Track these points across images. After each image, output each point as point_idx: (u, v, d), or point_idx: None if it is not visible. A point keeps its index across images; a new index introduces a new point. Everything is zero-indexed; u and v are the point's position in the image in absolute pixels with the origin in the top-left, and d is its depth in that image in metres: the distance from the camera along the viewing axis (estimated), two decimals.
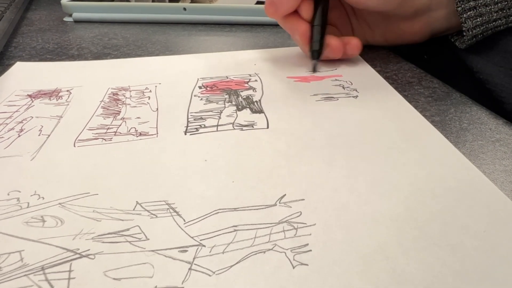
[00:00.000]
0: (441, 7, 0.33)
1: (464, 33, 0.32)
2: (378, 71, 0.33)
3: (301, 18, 0.32)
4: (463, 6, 0.31)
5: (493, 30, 0.31)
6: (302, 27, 0.32)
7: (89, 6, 0.50)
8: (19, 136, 0.25)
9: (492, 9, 0.30)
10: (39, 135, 0.25)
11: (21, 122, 0.26)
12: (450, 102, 0.28)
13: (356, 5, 0.33)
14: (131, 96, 0.30)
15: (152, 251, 0.16)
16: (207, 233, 0.17)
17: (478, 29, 0.31)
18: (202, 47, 0.41)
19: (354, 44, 0.33)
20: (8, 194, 0.19)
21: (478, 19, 0.31)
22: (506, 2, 0.30)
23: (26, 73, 0.34)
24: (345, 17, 0.37)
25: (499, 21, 0.31)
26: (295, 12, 0.33)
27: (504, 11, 0.30)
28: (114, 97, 0.30)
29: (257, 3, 0.49)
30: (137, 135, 0.24)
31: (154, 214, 0.18)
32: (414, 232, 0.17)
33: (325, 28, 0.32)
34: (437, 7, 0.33)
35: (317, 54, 0.32)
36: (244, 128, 0.25)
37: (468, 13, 0.31)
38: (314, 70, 0.33)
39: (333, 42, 0.33)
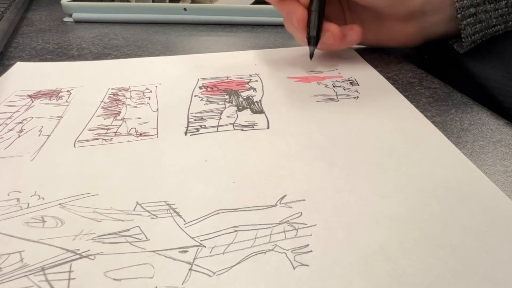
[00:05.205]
0: (437, 12, 0.32)
1: (463, 40, 0.32)
2: (379, 72, 0.33)
3: (298, 3, 0.32)
4: (463, 13, 0.30)
5: (492, 34, 0.31)
6: (299, 12, 0.31)
7: (89, 7, 0.50)
8: (19, 136, 0.25)
9: (492, 15, 0.30)
10: (39, 136, 0.25)
11: (21, 122, 0.26)
12: (451, 103, 0.28)
13: None
14: (131, 96, 0.30)
15: (153, 251, 0.16)
16: (208, 234, 0.17)
17: (477, 35, 0.31)
18: (202, 47, 0.41)
19: (356, 29, 0.32)
20: (8, 195, 0.19)
21: (477, 26, 0.30)
22: (506, 9, 0.29)
23: (26, 74, 0.34)
24: (340, 12, 0.36)
25: (498, 26, 0.30)
26: None
27: (504, 17, 0.30)
28: (114, 97, 0.29)
29: (254, 3, 0.49)
30: (138, 135, 0.24)
31: (154, 215, 0.18)
32: (415, 232, 0.17)
33: (323, 14, 0.32)
34: (433, 12, 0.32)
35: (314, 40, 0.31)
36: (244, 128, 0.25)
37: (468, 19, 0.30)
38: (311, 57, 0.32)
39: (332, 28, 0.32)
